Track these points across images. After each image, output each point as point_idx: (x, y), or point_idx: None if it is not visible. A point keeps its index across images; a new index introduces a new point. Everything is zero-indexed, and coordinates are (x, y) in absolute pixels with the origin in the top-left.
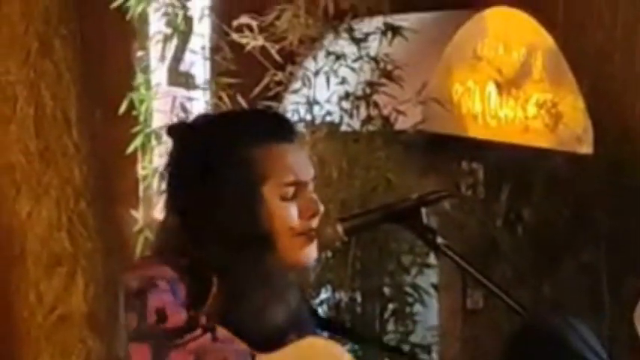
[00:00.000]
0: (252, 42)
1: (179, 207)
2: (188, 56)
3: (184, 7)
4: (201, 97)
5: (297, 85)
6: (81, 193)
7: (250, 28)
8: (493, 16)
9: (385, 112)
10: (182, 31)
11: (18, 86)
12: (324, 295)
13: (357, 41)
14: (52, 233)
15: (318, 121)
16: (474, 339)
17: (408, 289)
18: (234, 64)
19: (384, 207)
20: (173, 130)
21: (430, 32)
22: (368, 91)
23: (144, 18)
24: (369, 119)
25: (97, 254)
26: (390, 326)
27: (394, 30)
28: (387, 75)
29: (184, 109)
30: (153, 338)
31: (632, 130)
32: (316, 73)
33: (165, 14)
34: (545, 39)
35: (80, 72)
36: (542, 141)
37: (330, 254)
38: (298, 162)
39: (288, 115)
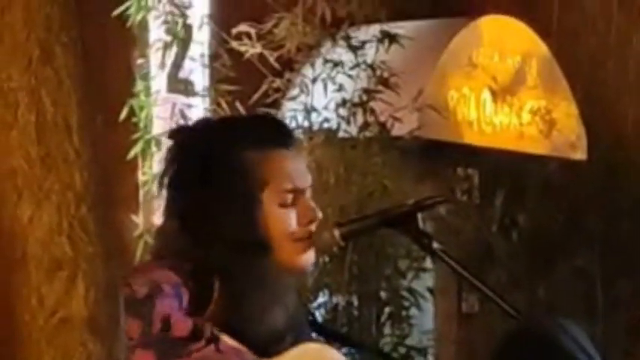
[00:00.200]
0: (251, 50)
1: (178, 210)
2: (187, 64)
3: (184, 15)
4: (200, 103)
5: (295, 92)
6: (82, 198)
7: (249, 35)
8: (488, 24)
9: (382, 118)
10: (182, 38)
11: (19, 93)
12: (321, 299)
13: (354, 49)
14: (53, 238)
15: (315, 127)
16: (469, 342)
17: (405, 293)
18: (233, 72)
19: (380, 212)
20: (174, 133)
21: (426, 40)
22: (365, 98)
23: (144, 26)
24: (365, 126)
25: (97, 259)
26: (387, 329)
27: (391, 38)
28: (384, 82)
29: (184, 115)
30: (158, 346)
31: (625, 137)
32: (314, 81)
33: (165, 22)
34: (539, 47)
35: (81, 79)
36: (536, 147)
37: (327, 259)
38: (297, 169)
39: (286, 121)
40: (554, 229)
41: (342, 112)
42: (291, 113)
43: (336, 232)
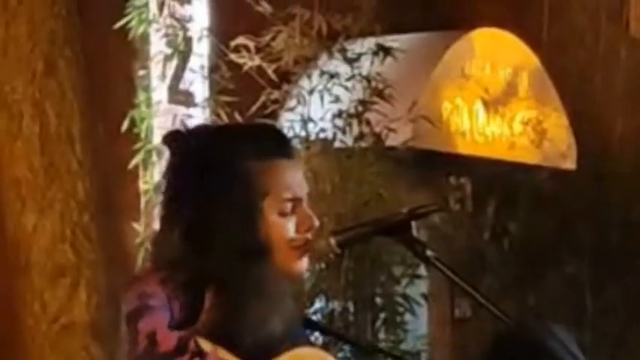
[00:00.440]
0: (250, 62)
1: (180, 219)
2: (188, 75)
3: (184, 28)
4: (200, 114)
5: (292, 103)
6: (84, 206)
7: (247, 48)
8: (480, 36)
9: (377, 129)
10: (182, 51)
11: (24, 104)
12: (318, 305)
13: (349, 61)
14: (56, 245)
15: (312, 137)
16: (462, 347)
17: (399, 299)
18: (232, 83)
19: (375, 220)
20: (170, 138)
21: (420, 52)
22: (360, 109)
23: (145, 38)
24: (361, 136)
25: (99, 265)
26: (382, 334)
27: (385, 50)
28: (379, 93)
29: (184, 126)
30: None
31: (614, 147)
32: (311, 92)
33: (166, 35)
34: (530, 58)
35: (84, 91)
36: (527, 157)
37: (324, 265)
38: (296, 179)
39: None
40: (544, 237)
41: (338, 122)
42: (288, 124)
43: (332, 240)
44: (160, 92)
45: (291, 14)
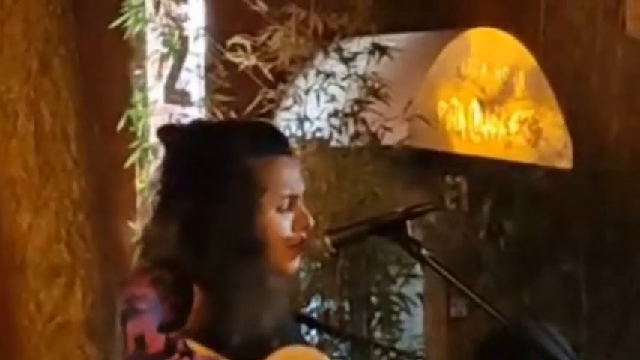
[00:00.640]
0: (246, 61)
1: (174, 214)
2: (184, 75)
3: (180, 28)
4: (196, 113)
5: (288, 102)
6: (79, 206)
7: (243, 47)
8: (476, 36)
9: (373, 128)
10: (178, 50)
11: (19, 104)
12: (314, 304)
13: (345, 60)
14: (52, 245)
15: (308, 137)
16: (457, 346)
17: (395, 298)
18: (228, 82)
19: (370, 220)
20: (164, 133)
21: (416, 52)
22: (356, 108)
23: (141, 38)
24: (357, 135)
25: (94, 265)
26: (377, 334)
27: (381, 50)
28: (375, 93)
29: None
30: None
31: (609, 147)
32: (307, 91)
33: (162, 34)
34: (526, 58)
35: (79, 90)
36: (523, 156)
37: (319, 265)
38: (293, 176)
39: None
40: (540, 236)
41: (334, 122)
42: (284, 123)
43: (328, 239)
44: (156, 91)
45: (287, 13)
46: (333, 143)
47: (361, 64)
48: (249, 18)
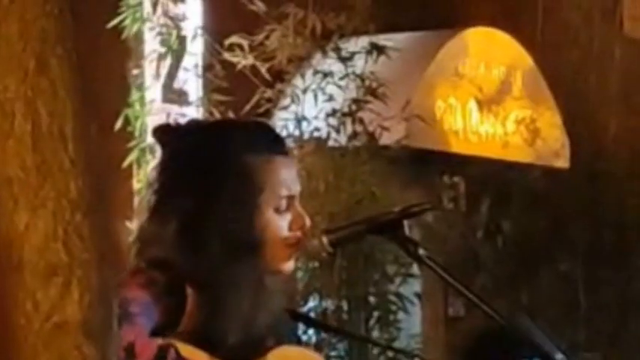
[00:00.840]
0: (243, 61)
1: (171, 214)
2: (181, 74)
3: (178, 27)
4: (194, 113)
5: (286, 102)
6: (76, 205)
7: (241, 47)
8: (474, 35)
9: (370, 128)
10: (176, 50)
11: (16, 103)
12: (311, 303)
13: (343, 60)
14: (49, 244)
15: (306, 136)
16: (455, 346)
17: (392, 298)
18: (225, 82)
19: (368, 219)
20: (160, 132)
21: (414, 51)
22: (354, 107)
23: (139, 37)
24: (354, 135)
25: (92, 264)
26: (375, 333)
27: (379, 49)
28: (372, 92)
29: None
30: None
31: (607, 146)
32: (304, 91)
33: (160, 34)
34: (524, 58)
35: (76, 89)
36: (521, 156)
37: (317, 264)
38: (290, 176)
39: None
40: (538, 236)
41: (332, 121)
42: (282, 123)
43: (325, 239)
44: (153, 91)
45: (285, 13)
46: (331, 143)
47: (359, 64)
48: (247, 17)
